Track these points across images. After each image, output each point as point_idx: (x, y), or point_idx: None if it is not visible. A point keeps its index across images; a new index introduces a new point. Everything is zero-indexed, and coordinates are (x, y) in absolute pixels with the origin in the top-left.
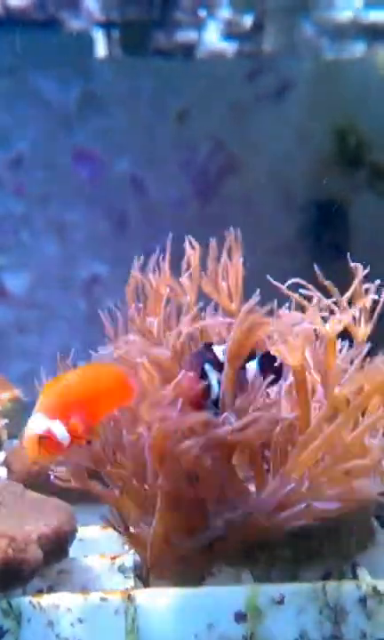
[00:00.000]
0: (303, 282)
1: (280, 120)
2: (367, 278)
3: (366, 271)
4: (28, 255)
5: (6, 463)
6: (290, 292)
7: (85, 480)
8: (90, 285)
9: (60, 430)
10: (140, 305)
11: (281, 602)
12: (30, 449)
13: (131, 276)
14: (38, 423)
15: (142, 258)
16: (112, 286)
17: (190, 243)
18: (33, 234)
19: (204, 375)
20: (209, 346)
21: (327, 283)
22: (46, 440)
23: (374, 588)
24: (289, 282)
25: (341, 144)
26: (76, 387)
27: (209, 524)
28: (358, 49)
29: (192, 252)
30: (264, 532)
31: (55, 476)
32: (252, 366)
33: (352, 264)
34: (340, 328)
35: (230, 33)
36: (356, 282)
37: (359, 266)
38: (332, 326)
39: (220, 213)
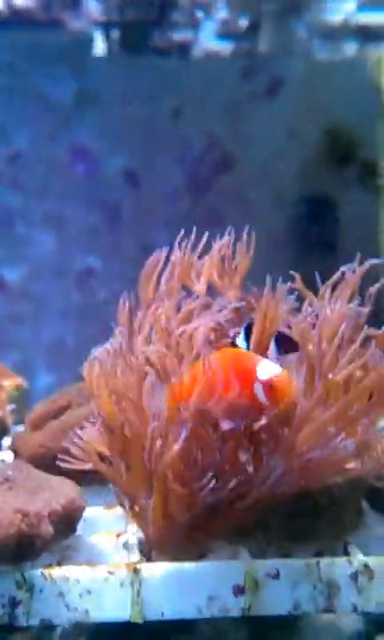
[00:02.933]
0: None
1: (273, 118)
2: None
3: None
4: (24, 248)
5: (13, 448)
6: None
7: (95, 459)
8: (84, 278)
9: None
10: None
11: (276, 576)
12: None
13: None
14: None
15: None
16: (106, 279)
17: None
18: (29, 227)
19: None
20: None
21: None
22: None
23: (365, 565)
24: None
25: (332, 142)
26: None
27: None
28: (349, 50)
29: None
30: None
31: (62, 459)
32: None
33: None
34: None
35: (226, 33)
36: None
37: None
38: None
39: (214, 208)
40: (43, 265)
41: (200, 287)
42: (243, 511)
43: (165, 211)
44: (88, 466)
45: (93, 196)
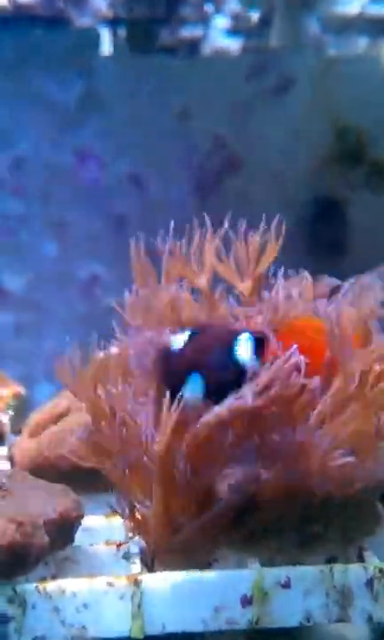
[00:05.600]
0: None
1: (282, 118)
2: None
3: None
4: (27, 255)
5: (10, 455)
6: None
7: (100, 458)
8: (88, 286)
9: None
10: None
11: (287, 585)
12: None
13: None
14: None
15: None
16: (111, 287)
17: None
18: (32, 234)
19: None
20: None
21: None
22: None
23: (381, 570)
24: None
25: (342, 142)
26: None
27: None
28: (362, 44)
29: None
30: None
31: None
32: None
33: None
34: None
35: (237, 28)
36: None
37: None
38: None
39: (221, 211)
40: (46, 273)
41: (202, 281)
42: (251, 516)
43: (172, 215)
44: (89, 464)
45: (98, 200)
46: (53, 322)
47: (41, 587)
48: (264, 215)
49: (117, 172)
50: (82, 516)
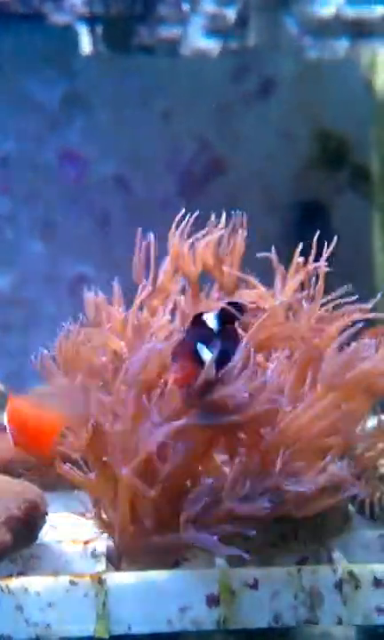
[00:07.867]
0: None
1: (264, 119)
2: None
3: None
4: (14, 254)
5: None
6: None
7: (59, 464)
8: (75, 285)
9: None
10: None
11: (254, 586)
12: None
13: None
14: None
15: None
16: (98, 286)
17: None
18: (18, 233)
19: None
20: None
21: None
22: None
23: (350, 572)
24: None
25: (323, 144)
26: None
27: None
28: (341, 46)
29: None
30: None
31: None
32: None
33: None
34: None
35: (214, 29)
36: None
37: None
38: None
39: (205, 213)
40: (33, 271)
41: (193, 270)
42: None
43: (157, 215)
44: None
45: (83, 200)
46: (41, 320)
47: (4, 584)
48: (247, 219)
49: (102, 172)
50: (46, 514)
